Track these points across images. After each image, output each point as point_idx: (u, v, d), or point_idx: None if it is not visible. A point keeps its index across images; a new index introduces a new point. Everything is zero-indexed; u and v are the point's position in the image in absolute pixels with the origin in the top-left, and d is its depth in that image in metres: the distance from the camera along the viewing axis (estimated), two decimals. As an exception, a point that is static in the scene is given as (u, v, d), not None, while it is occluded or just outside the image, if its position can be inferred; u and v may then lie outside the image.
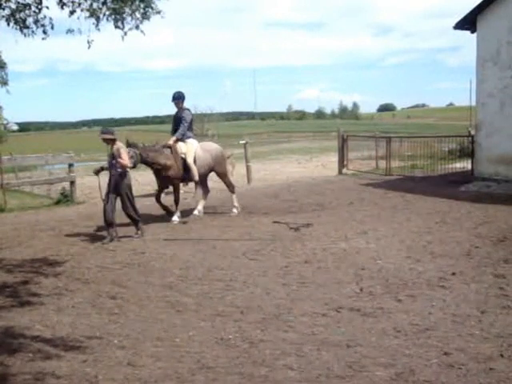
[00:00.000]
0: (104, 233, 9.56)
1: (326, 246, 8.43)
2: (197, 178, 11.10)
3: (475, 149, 15.07)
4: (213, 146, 12.03)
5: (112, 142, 9.52)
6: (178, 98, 11.48)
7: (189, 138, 11.40)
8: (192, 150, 11.14)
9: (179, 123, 11.29)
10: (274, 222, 10.45)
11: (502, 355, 4.51)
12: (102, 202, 9.61)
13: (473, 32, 14.65)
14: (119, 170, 9.38)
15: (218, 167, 11.71)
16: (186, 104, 11.68)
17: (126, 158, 9.44)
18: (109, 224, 9.35)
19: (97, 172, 9.83)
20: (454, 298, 5.97)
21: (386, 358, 4.52)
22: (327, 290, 6.43)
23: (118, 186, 9.39)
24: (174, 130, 11.39)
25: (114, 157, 9.37)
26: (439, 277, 6.73)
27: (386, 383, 4.11)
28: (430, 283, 6.51)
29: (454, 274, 6.82)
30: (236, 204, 11.82)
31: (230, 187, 12.00)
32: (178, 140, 11.13)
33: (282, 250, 8.34)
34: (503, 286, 6.27)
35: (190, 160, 11.00)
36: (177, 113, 11.55)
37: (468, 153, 16.63)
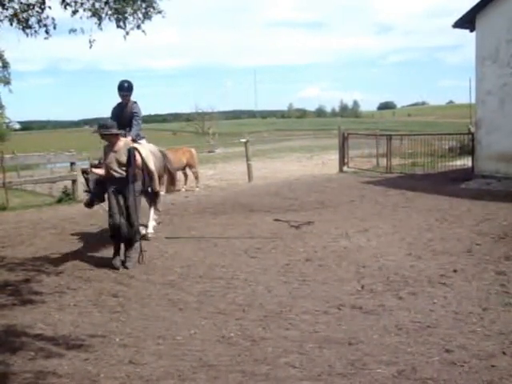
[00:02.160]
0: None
1: (326, 244, 8.43)
2: (158, 187, 9.34)
3: (475, 146, 15.08)
4: (155, 147, 9.91)
5: (115, 137, 7.80)
6: (129, 89, 9.25)
7: (142, 138, 9.48)
8: (150, 153, 9.03)
9: (128, 120, 9.14)
10: (275, 220, 10.46)
11: (504, 352, 4.50)
12: (107, 212, 7.87)
13: (472, 31, 14.67)
14: (130, 171, 7.64)
15: (162, 171, 9.73)
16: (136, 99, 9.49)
17: (139, 158, 7.93)
18: (121, 240, 7.76)
19: (88, 172, 8.08)
20: (455, 295, 5.97)
21: (387, 356, 4.52)
22: (328, 287, 6.44)
23: (128, 194, 7.65)
24: (120, 127, 8.87)
25: (129, 156, 7.61)
26: (440, 274, 6.73)
27: (387, 381, 4.10)
28: (431, 280, 6.51)
29: (455, 271, 6.83)
30: (152, 223, 9.63)
31: (155, 201, 9.63)
32: (133, 141, 8.82)
33: (283, 248, 8.34)
34: (504, 283, 6.27)
35: (152, 166, 8.89)
36: (122, 106, 9.33)
37: (468, 150, 16.63)
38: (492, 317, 5.30)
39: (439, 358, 4.44)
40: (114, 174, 7.66)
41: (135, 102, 9.41)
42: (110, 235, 7.80)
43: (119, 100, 9.33)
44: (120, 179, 7.64)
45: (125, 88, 9.22)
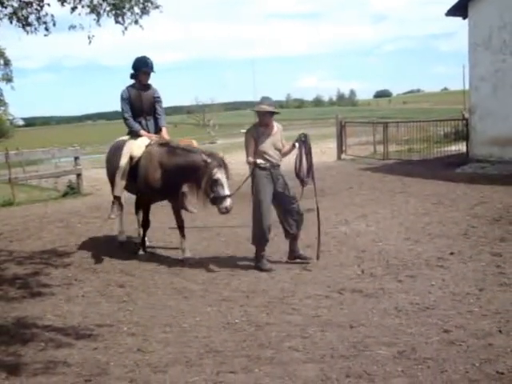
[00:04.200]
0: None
1: (327, 230, 8.47)
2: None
3: (470, 132, 15.16)
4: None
5: (271, 118, 6.76)
6: (152, 67, 7.65)
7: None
8: None
9: (149, 106, 7.82)
10: (276, 208, 10.52)
11: (500, 331, 4.60)
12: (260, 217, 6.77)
13: (465, 18, 14.70)
14: (279, 160, 6.92)
15: None
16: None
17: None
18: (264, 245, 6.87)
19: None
20: (452, 276, 6.08)
21: (388, 337, 4.61)
22: (329, 272, 6.55)
23: (280, 186, 7.10)
24: (136, 116, 7.77)
25: (304, 141, 6.83)
26: (438, 257, 6.84)
27: (388, 361, 4.18)
28: (429, 263, 6.62)
29: (452, 253, 6.93)
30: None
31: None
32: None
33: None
34: (500, 264, 6.38)
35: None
36: (138, 89, 7.70)
37: (463, 136, 16.67)
38: (488, 297, 5.41)
39: (438, 338, 4.53)
40: (272, 160, 6.78)
41: (151, 84, 7.87)
42: (260, 238, 6.78)
43: (125, 85, 7.80)
44: (275, 167, 6.87)
45: (149, 65, 7.59)
